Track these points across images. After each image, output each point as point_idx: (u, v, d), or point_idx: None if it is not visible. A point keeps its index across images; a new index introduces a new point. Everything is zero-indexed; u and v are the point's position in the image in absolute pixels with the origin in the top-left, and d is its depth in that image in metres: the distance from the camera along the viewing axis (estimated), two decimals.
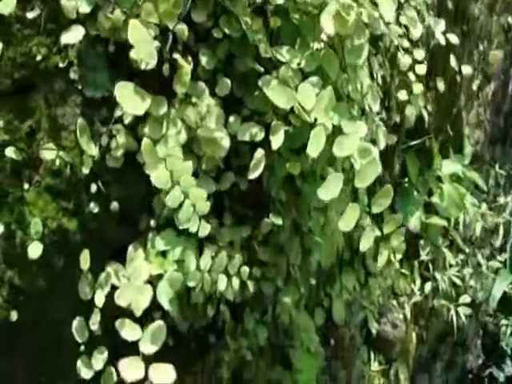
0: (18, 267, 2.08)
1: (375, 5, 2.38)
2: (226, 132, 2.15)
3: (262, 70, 2.16)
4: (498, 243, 4.78)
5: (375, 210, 2.11)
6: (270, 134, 2.14)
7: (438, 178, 4.02)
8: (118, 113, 2.04)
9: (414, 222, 3.90)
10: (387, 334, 4.02)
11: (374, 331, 3.87)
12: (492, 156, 4.84)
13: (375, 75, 2.85)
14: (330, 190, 2.05)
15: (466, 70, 3.50)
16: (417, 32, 2.80)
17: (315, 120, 2.10)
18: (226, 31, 2.14)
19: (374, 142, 2.58)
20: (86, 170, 2.04)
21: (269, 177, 2.37)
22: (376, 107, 2.49)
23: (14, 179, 2.03)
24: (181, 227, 2.12)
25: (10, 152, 1.94)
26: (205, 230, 2.12)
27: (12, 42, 1.96)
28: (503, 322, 5.33)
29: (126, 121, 2.04)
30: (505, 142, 4.95)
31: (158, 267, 2.16)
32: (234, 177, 2.31)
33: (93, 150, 2.00)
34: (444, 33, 3.17)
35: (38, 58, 1.98)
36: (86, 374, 2.17)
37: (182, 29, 2.05)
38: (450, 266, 4.21)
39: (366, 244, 2.23)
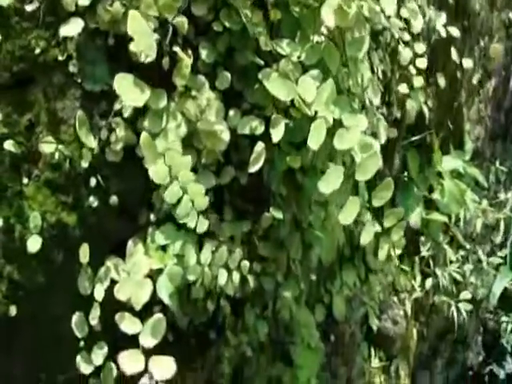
0: (17, 262, 2.07)
1: None
2: (226, 125, 2.14)
3: (262, 63, 2.14)
4: (498, 240, 4.77)
5: (376, 203, 2.10)
6: (270, 127, 2.13)
7: (438, 174, 4.01)
8: (117, 106, 2.03)
9: (415, 218, 3.89)
10: (388, 330, 4.01)
11: (374, 327, 3.86)
12: (492, 152, 4.83)
13: (376, 70, 2.84)
14: (330, 182, 2.04)
15: (467, 63, 3.48)
16: (418, 24, 2.79)
17: (316, 113, 2.09)
18: (226, 24, 2.13)
19: (374, 135, 2.57)
20: (85, 164, 2.03)
21: (269, 171, 2.36)
22: (377, 101, 2.48)
23: (13, 173, 2.02)
24: (180, 221, 2.11)
25: (8, 145, 1.92)
26: (203, 225, 2.11)
27: (11, 35, 1.95)
28: (503, 318, 5.33)
29: (126, 114, 2.03)
30: (505, 138, 4.94)
31: (158, 261, 2.15)
32: (234, 171, 2.30)
33: (92, 143, 1.99)
34: (445, 26, 3.16)
35: (37, 51, 1.97)
36: (85, 369, 2.16)
37: (182, 21, 2.04)
38: (451, 262, 4.21)
39: (366, 238, 2.22)
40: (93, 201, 2.09)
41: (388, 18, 2.58)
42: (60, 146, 2.00)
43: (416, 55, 3.04)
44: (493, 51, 4.01)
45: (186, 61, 2.03)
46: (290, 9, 2.19)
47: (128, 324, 2.05)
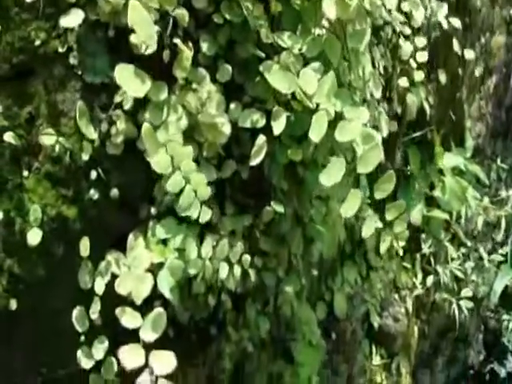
0: (18, 255, 2.06)
1: None
2: (227, 118, 2.13)
3: (263, 55, 2.13)
4: (499, 237, 4.76)
5: (378, 195, 2.09)
6: (271, 119, 2.12)
7: (439, 171, 4.00)
8: (117, 98, 2.02)
9: (416, 215, 3.88)
10: (389, 327, 4.00)
11: (375, 325, 3.85)
12: (493, 150, 4.82)
13: (377, 65, 2.84)
14: (332, 175, 2.03)
15: (469, 54, 3.47)
16: (419, 15, 2.78)
17: (317, 105, 2.08)
18: (227, 17, 2.12)
19: (376, 128, 2.55)
20: (85, 157, 2.02)
21: (270, 165, 2.35)
22: (378, 94, 2.47)
23: (13, 166, 2.01)
24: (182, 214, 2.10)
25: (8, 137, 1.91)
26: (206, 215, 2.10)
27: (10, 27, 1.93)
28: (505, 317, 5.32)
29: (126, 106, 2.02)
30: (506, 135, 4.93)
31: (159, 255, 2.14)
32: (236, 165, 2.29)
33: (92, 134, 1.98)
34: (447, 17, 3.15)
35: (37, 42, 1.96)
36: (86, 363, 2.16)
37: (183, 14, 2.03)
38: (452, 259, 4.20)
39: (367, 232, 2.21)
40: (93, 194, 2.07)
41: (389, 11, 2.57)
42: (60, 139, 1.98)
43: (417, 49, 3.03)
44: (495, 44, 4.01)
45: (187, 53, 2.02)
46: (291, 1, 2.19)
47: (129, 318, 2.04)
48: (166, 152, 1.98)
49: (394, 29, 2.87)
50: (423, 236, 4.07)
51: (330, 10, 2.07)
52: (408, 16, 2.85)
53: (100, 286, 2.11)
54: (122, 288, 2.07)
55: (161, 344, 2.03)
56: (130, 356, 1.95)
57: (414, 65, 3.03)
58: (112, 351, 2.11)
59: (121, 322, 2.04)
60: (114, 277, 2.11)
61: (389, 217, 2.20)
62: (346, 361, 3.80)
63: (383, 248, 2.26)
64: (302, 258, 2.72)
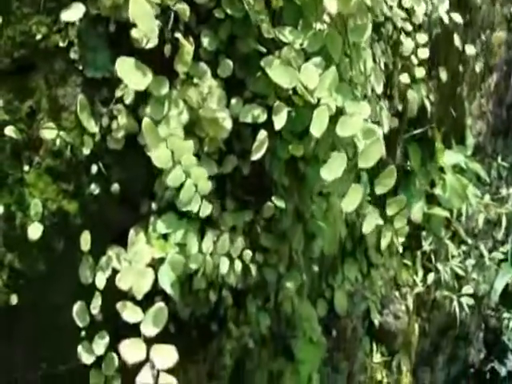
0: (18, 250, 2.05)
1: None
2: (228, 113, 2.12)
3: (264, 50, 2.13)
4: (500, 235, 4.76)
5: (379, 190, 2.08)
6: (272, 115, 2.12)
7: (440, 169, 4.00)
8: (118, 93, 2.01)
9: (417, 213, 3.88)
10: (389, 325, 4.00)
11: (376, 322, 3.85)
12: (494, 148, 4.82)
13: (378, 61, 2.83)
14: (333, 170, 2.03)
15: (470, 50, 3.47)
16: (420, 10, 2.77)
17: (318, 100, 2.07)
18: (228, 12, 2.12)
19: (377, 124, 2.55)
20: (86, 151, 2.01)
21: (271, 160, 2.35)
22: (379, 89, 2.47)
23: (14, 160, 2.01)
24: (183, 209, 2.10)
25: (9, 131, 1.91)
26: (206, 210, 2.09)
27: (11, 21, 1.93)
28: (505, 315, 5.32)
29: (127, 101, 2.02)
30: (507, 134, 4.93)
31: (160, 250, 2.14)
32: (237, 160, 2.29)
33: (93, 128, 1.98)
34: (448, 12, 3.15)
35: (38, 36, 1.95)
36: (87, 359, 2.15)
37: (184, 8, 2.02)
38: (453, 257, 4.20)
39: (368, 228, 2.20)
40: (94, 189, 2.07)
41: (390, 7, 2.57)
42: (61, 133, 1.98)
43: (418, 45, 3.02)
44: (495, 40, 4.00)
45: (188, 47, 2.01)
46: None
47: (129, 313, 2.04)
48: (167, 146, 1.98)
49: (394, 25, 2.87)
50: (424, 233, 4.07)
51: (331, 4, 2.07)
52: (409, 12, 2.85)
53: (101, 281, 2.10)
54: (122, 283, 2.06)
55: (162, 340, 2.03)
56: (131, 350, 1.95)
57: (415, 61, 3.02)
58: (113, 347, 2.11)
59: (122, 317, 2.04)
60: (115, 272, 2.10)
61: (389, 212, 2.20)
62: (347, 358, 3.79)
63: (384, 243, 2.26)
64: (303, 254, 2.72)
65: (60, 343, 2.16)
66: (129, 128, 2.05)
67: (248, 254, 2.33)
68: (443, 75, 3.68)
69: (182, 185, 2.03)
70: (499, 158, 4.79)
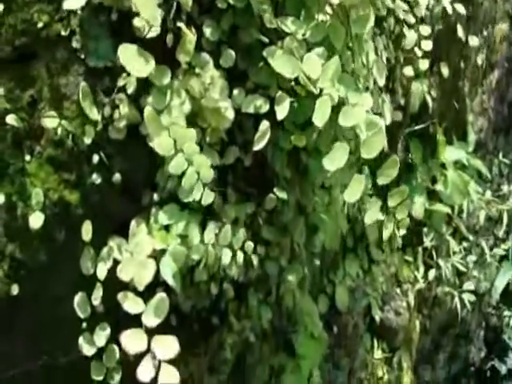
0: (19, 240, 2.04)
1: None
2: (231, 103, 2.12)
3: (266, 40, 2.12)
4: (501, 233, 4.75)
5: (381, 181, 2.08)
6: (274, 105, 2.11)
7: (441, 165, 3.99)
8: (120, 82, 2.01)
9: (418, 209, 3.87)
10: (390, 321, 3.99)
11: (377, 319, 3.84)
12: (495, 145, 4.81)
13: (380, 54, 2.82)
14: (335, 160, 2.02)
15: (473, 41, 3.46)
16: (423, 1, 2.76)
17: (321, 91, 2.07)
18: (231, 2, 2.11)
19: (379, 115, 2.54)
20: (88, 141, 2.00)
21: (273, 152, 2.34)
22: (381, 82, 2.46)
23: (15, 150, 2.00)
24: (184, 200, 2.09)
25: (11, 119, 1.90)
26: (209, 198, 2.08)
27: (13, 8, 1.92)
28: (506, 313, 5.30)
29: (129, 90, 2.01)
30: (508, 131, 4.92)
31: (161, 242, 2.13)
32: (238, 152, 2.28)
33: (95, 115, 1.97)
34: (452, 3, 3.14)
35: (40, 25, 1.95)
36: (88, 350, 2.14)
37: None
38: (454, 253, 4.19)
39: (371, 218, 2.19)
40: (95, 178, 2.06)
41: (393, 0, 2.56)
42: (63, 122, 1.97)
43: (421, 38, 3.01)
44: (498, 32, 4.00)
45: (190, 36, 2.01)
46: None
47: (131, 303, 2.03)
48: (169, 135, 1.97)
49: (397, 18, 2.86)
50: (425, 230, 4.06)
51: None
52: (411, 4, 2.84)
53: (102, 272, 2.09)
54: (124, 274, 2.05)
55: (163, 333, 2.02)
56: (133, 340, 1.94)
57: (419, 53, 3.01)
58: (114, 338, 2.10)
59: (123, 309, 2.03)
60: (116, 263, 2.09)
61: (392, 203, 2.18)
62: (348, 354, 3.79)
63: (386, 234, 2.25)
64: (305, 248, 2.72)
65: (61, 334, 2.15)
66: (131, 118, 2.04)
67: (250, 245, 2.32)
68: (445, 71, 3.67)
69: (183, 173, 2.02)
70: (500, 155, 4.78)
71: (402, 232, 2.36)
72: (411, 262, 4.03)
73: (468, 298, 4.22)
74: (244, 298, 2.61)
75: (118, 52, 1.94)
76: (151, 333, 2.00)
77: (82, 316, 2.11)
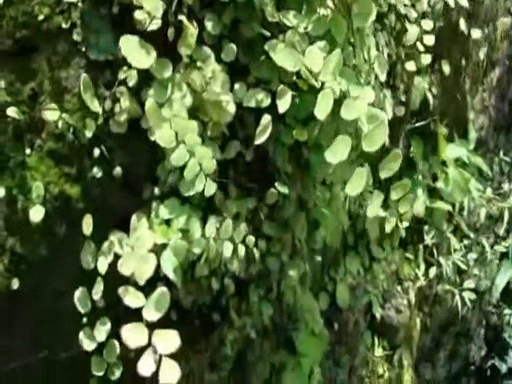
0: (20, 234, 2.03)
1: None
2: (232, 97, 2.11)
3: (268, 34, 2.12)
4: (501, 231, 4.74)
5: (383, 175, 2.06)
6: (276, 99, 2.11)
7: (442, 163, 3.99)
8: (121, 75, 2.00)
9: (419, 207, 3.86)
10: (391, 319, 3.99)
11: (378, 316, 3.84)
12: (496, 143, 4.81)
13: (381, 50, 2.82)
14: (338, 152, 2.01)
15: (476, 34, 3.45)
16: None
17: (322, 84, 2.06)
18: None
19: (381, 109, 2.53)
20: (89, 134, 2.00)
21: (274, 147, 2.34)
22: (383, 77, 2.45)
23: (15, 143, 1.99)
24: (186, 194, 2.08)
25: (11, 112, 1.89)
26: (211, 189, 2.07)
27: (13, 1, 1.91)
28: (506, 311, 5.30)
29: (130, 83, 2.00)
30: (509, 129, 4.92)
31: (162, 236, 2.12)
32: (240, 146, 2.28)
33: (97, 107, 1.96)
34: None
35: (41, 17, 1.94)
36: (88, 345, 2.13)
37: None
38: (455, 250, 4.18)
39: (373, 211, 2.18)
40: (96, 172, 2.05)
41: None
42: (64, 115, 1.96)
43: (423, 32, 3.00)
44: (501, 25, 3.99)
45: (192, 30, 2.00)
46: None
47: (132, 298, 2.02)
48: (171, 127, 1.96)
49: (398, 14, 2.85)
50: (426, 227, 4.06)
51: None
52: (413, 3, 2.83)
53: (103, 266, 2.08)
54: (124, 268, 2.05)
55: (164, 328, 2.01)
56: (133, 335, 1.93)
57: (421, 48, 3.00)
58: (114, 333, 2.09)
59: (123, 303, 2.02)
60: (117, 257, 2.09)
61: (394, 196, 2.17)
62: (348, 352, 3.78)
63: (388, 228, 2.24)
64: (306, 243, 2.71)
65: (61, 329, 2.14)
66: (132, 111, 2.03)
67: (251, 239, 2.31)
68: (446, 68, 3.67)
69: (185, 165, 2.01)
70: (501, 153, 4.78)
71: (405, 225, 2.35)
72: (412, 259, 4.03)
73: (468, 296, 4.22)
74: (245, 294, 2.60)
75: (119, 45, 1.94)
76: (152, 327, 1.99)
77: (82, 310, 2.10)
